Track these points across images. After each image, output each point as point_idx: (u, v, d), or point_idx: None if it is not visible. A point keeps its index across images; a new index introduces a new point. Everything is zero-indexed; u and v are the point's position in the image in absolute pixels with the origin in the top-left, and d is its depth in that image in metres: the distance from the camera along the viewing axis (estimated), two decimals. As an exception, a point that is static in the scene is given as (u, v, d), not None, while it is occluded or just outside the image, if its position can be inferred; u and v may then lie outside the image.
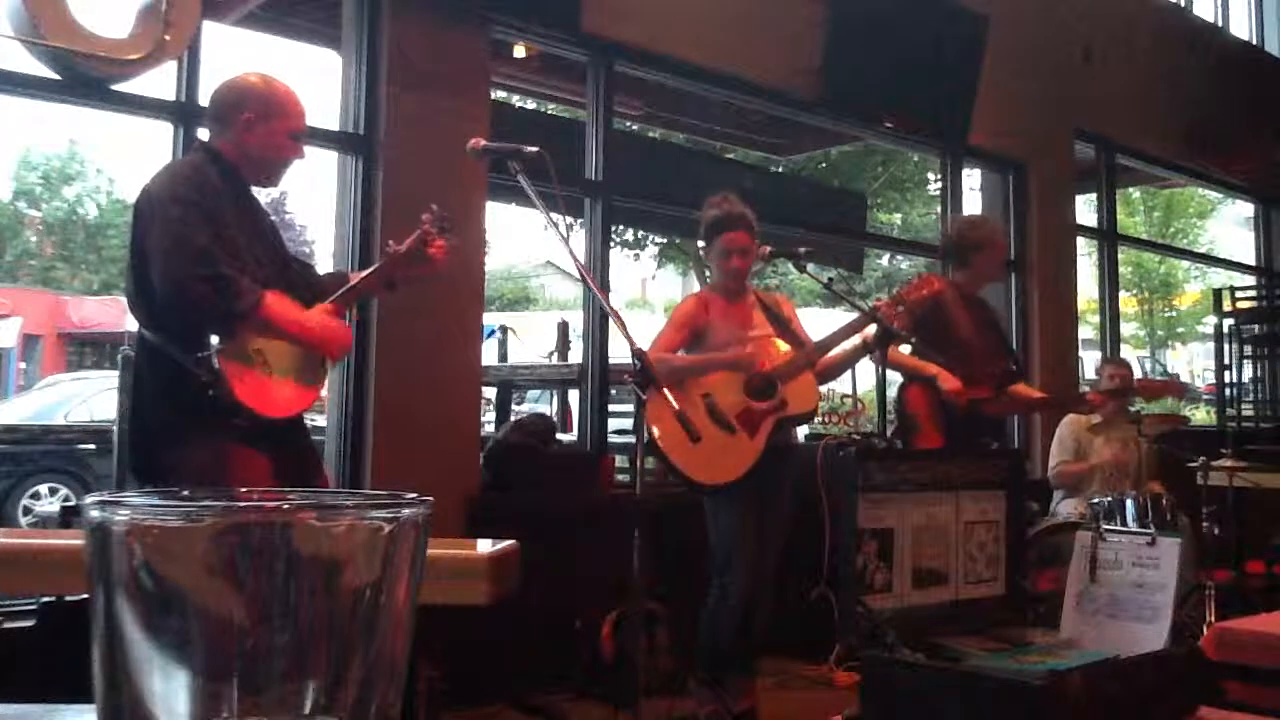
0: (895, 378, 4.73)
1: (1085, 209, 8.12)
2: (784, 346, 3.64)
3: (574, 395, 6.23)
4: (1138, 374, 9.92)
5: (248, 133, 2.75)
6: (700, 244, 3.77)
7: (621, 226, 11.68)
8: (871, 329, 3.62)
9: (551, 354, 6.98)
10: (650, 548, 2.78)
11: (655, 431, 3.23)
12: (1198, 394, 15.87)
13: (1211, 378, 11.16)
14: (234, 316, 2.52)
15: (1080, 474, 5.34)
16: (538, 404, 9.47)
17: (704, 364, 3.55)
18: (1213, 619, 3.94)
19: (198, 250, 2.50)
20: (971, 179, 7.38)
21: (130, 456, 2.71)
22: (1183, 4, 8.95)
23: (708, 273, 4.00)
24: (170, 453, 2.59)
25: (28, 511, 7.82)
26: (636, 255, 15.20)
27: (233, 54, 4.43)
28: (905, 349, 4.32)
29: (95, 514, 0.35)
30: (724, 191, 3.78)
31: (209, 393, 2.49)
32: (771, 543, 3.59)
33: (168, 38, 3.70)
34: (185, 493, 0.39)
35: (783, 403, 3.55)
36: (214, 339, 2.52)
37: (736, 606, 3.48)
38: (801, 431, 5.25)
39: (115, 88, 3.81)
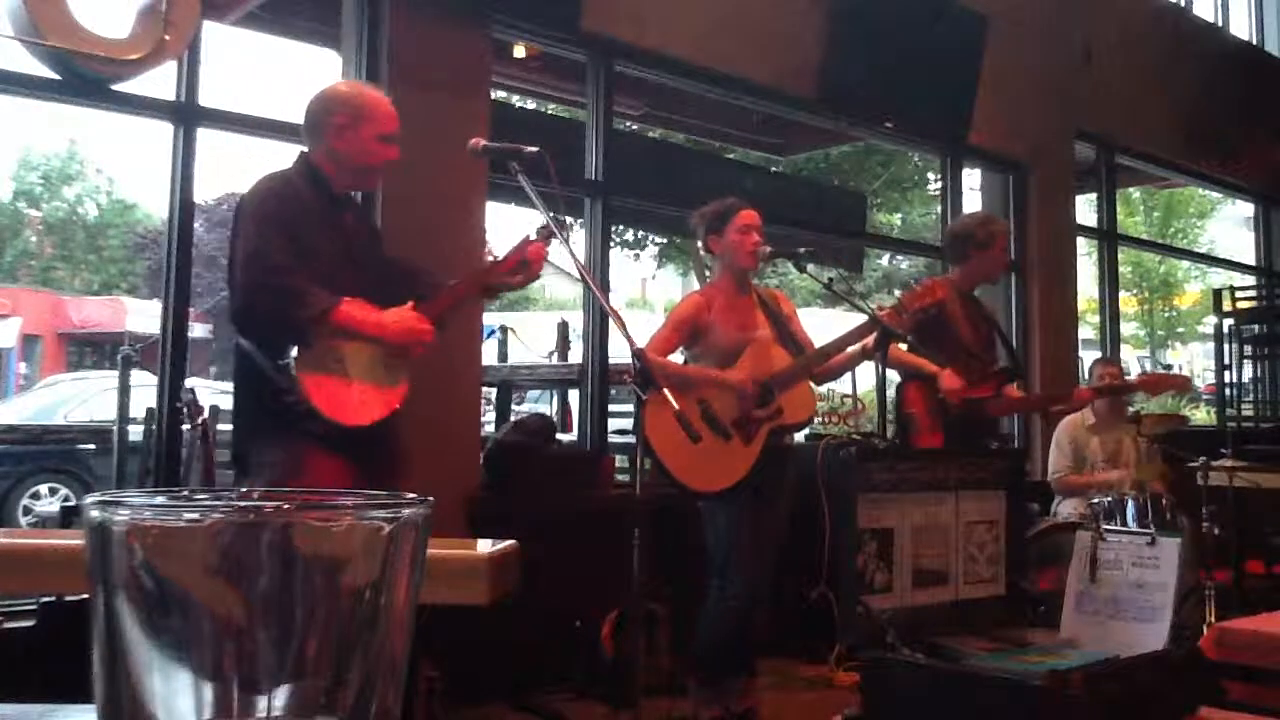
0: (895, 377, 4.73)
1: (1085, 209, 8.12)
2: (783, 350, 3.63)
3: (574, 395, 6.23)
4: (1137, 373, 9.91)
5: (338, 138, 2.81)
6: (707, 240, 3.70)
7: (621, 226, 11.68)
8: (872, 336, 3.60)
9: (551, 354, 6.98)
10: (650, 548, 2.78)
11: (652, 438, 3.22)
12: (1198, 394, 15.86)
13: (1211, 378, 11.15)
14: (304, 325, 2.61)
15: (1083, 487, 5.32)
16: (538, 404, 9.46)
17: (702, 379, 3.53)
18: (1213, 619, 3.94)
19: (271, 266, 2.61)
20: (971, 179, 7.38)
21: (232, 448, 2.83)
22: (1183, 4, 8.95)
23: (708, 272, 3.99)
24: (256, 450, 2.72)
25: (28, 511, 7.82)
26: (636, 255, 15.19)
27: (233, 54, 4.44)
28: (903, 347, 4.31)
29: (95, 514, 0.35)
30: (705, 190, 3.78)
31: (287, 399, 2.59)
32: (769, 544, 3.58)
33: (168, 38, 3.70)
34: (186, 493, 0.39)
35: (779, 411, 3.54)
36: (294, 348, 2.61)
37: (734, 608, 3.48)
38: (801, 431, 5.25)
39: (115, 88, 3.81)
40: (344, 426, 2.64)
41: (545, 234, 2.95)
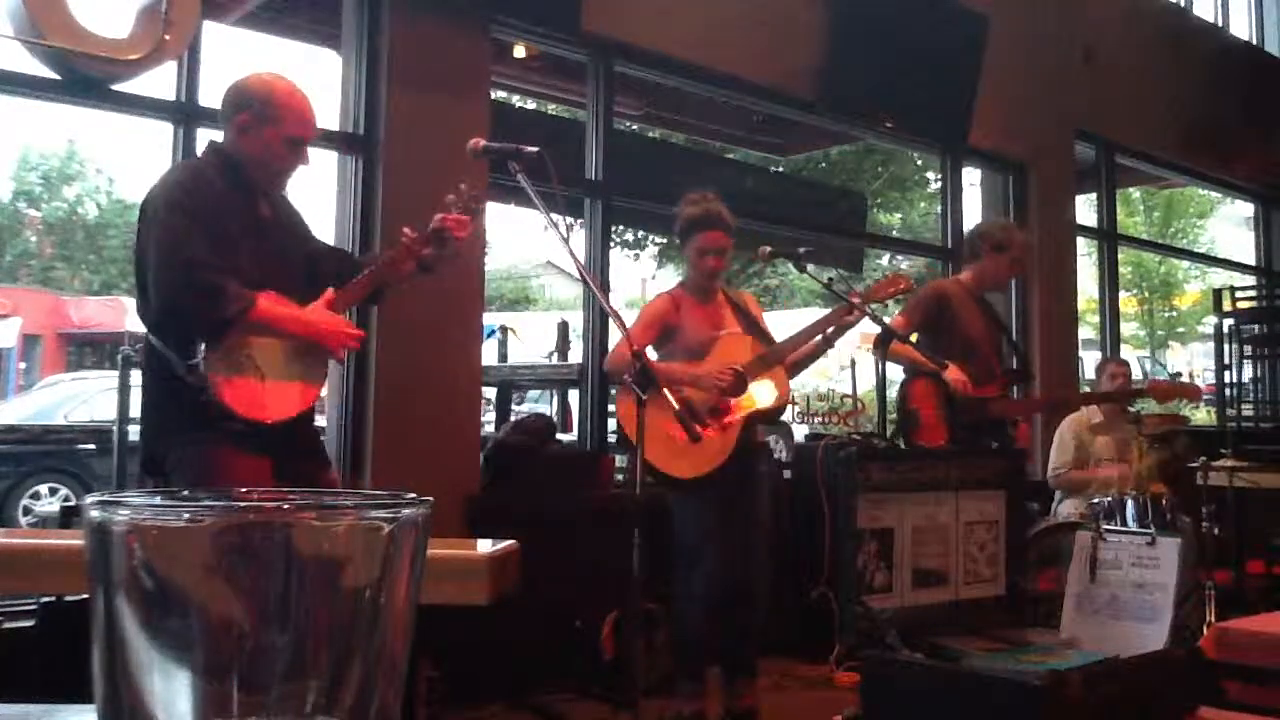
0: (895, 377, 4.73)
1: (1085, 209, 8.12)
2: (754, 341, 3.67)
3: (574, 395, 6.23)
4: (1137, 374, 9.92)
5: (242, 135, 2.72)
6: (680, 239, 3.78)
7: (621, 226, 11.68)
8: (833, 327, 3.66)
9: (551, 354, 6.99)
10: (650, 548, 2.78)
11: (628, 429, 3.23)
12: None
13: (1211, 378, 11.14)
14: (222, 323, 2.54)
15: (1083, 482, 5.33)
16: (538, 404, 9.46)
17: (677, 378, 3.53)
18: (1213, 619, 3.94)
19: (187, 261, 2.53)
20: (971, 179, 7.38)
21: (140, 451, 2.74)
22: (1183, 4, 8.95)
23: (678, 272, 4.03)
24: (172, 451, 2.64)
25: (28, 511, 7.82)
26: (636, 255, 15.21)
27: (233, 54, 4.44)
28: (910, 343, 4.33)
29: (95, 514, 0.35)
30: (705, 189, 3.80)
31: (201, 399, 2.53)
32: (747, 540, 3.58)
33: (168, 38, 3.70)
34: (185, 493, 0.39)
35: (753, 399, 3.57)
36: (202, 347, 2.54)
37: (705, 602, 3.49)
38: (801, 431, 5.25)
39: (115, 88, 3.81)
40: (259, 424, 2.58)
41: (458, 205, 2.88)
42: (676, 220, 3.74)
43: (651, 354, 3.66)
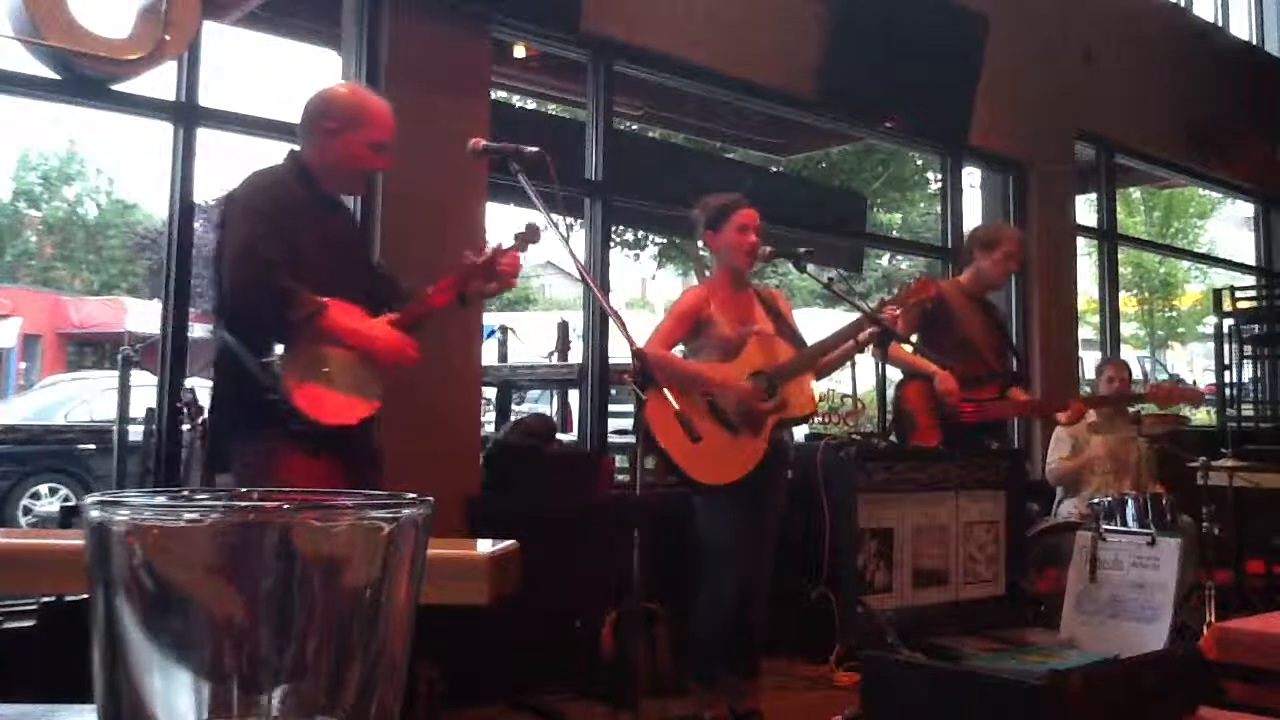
0: (895, 376, 4.74)
1: (1085, 209, 8.12)
2: (785, 343, 3.65)
3: (574, 395, 6.23)
4: (1137, 374, 9.91)
5: (331, 142, 2.79)
6: (705, 235, 3.71)
7: (621, 226, 11.68)
8: (867, 331, 3.64)
9: (551, 354, 6.98)
10: (650, 548, 2.78)
11: (656, 430, 3.22)
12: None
13: (1211, 378, 11.14)
14: (293, 326, 2.59)
15: (1077, 469, 5.34)
16: (538, 404, 9.46)
17: (702, 381, 3.53)
18: (1213, 619, 3.94)
19: (264, 263, 2.58)
20: (971, 179, 7.38)
21: (208, 448, 2.83)
22: (1183, 4, 8.95)
23: (707, 271, 4.00)
24: (235, 446, 2.71)
25: (28, 511, 7.82)
26: (636, 255, 15.20)
27: (233, 54, 4.44)
28: (907, 347, 4.34)
29: (95, 514, 0.35)
30: (705, 190, 3.80)
31: (270, 397, 2.58)
32: (767, 542, 3.58)
33: (168, 37, 3.70)
34: (186, 493, 0.39)
35: (783, 404, 3.55)
36: (279, 348, 2.60)
37: (730, 606, 3.48)
38: (801, 431, 5.25)
39: (115, 88, 3.81)
40: (324, 427, 2.62)
41: (521, 241, 2.90)
42: (701, 217, 3.68)
43: (680, 350, 3.66)
